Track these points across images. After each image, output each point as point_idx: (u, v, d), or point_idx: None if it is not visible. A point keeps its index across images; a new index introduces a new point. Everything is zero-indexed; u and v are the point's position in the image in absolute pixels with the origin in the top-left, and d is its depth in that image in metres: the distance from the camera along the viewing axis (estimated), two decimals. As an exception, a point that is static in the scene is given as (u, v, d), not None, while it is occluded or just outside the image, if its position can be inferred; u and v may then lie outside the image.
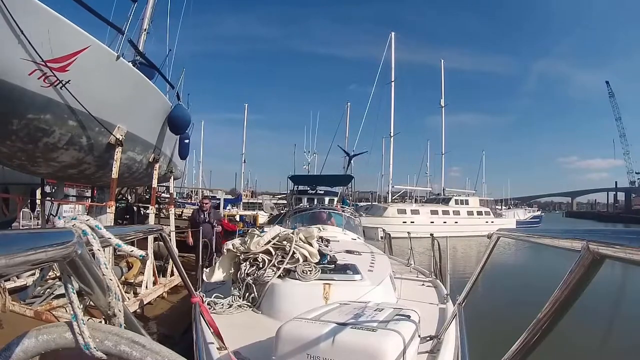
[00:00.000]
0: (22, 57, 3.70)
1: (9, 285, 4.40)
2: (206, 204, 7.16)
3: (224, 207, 15.68)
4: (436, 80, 35.49)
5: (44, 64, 3.83)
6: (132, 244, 0.96)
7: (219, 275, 3.03)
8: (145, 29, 8.41)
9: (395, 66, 30.78)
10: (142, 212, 9.75)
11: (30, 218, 8.89)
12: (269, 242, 2.91)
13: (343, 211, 6.45)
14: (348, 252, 3.54)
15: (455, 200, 29.14)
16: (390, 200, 29.67)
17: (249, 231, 3.19)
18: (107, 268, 0.74)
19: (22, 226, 8.09)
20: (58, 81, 4.08)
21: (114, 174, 5.16)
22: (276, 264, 2.74)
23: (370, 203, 29.73)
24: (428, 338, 1.95)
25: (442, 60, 35.76)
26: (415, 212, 25.35)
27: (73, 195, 11.21)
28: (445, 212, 26.58)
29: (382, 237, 6.27)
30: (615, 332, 6.02)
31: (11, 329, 3.41)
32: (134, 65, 5.89)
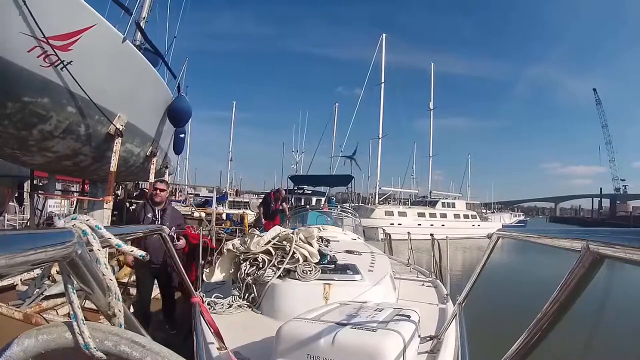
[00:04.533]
0: (22, 30, 3.28)
1: (-4, 285, 4.19)
2: (161, 191, 3.72)
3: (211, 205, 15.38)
4: (425, 83, 35.89)
5: (45, 40, 3.42)
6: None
7: (218, 275, 3.02)
8: (144, 17, 8.06)
9: (385, 68, 30.85)
10: (130, 209, 9.58)
11: (16, 212, 8.46)
12: (269, 242, 2.91)
13: (329, 209, 6.47)
14: (348, 252, 3.54)
15: (442, 203, 29.41)
16: (377, 202, 29.69)
17: (249, 231, 3.19)
18: (107, 268, 0.74)
19: (8, 220, 7.85)
20: (59, 61, 3.68)
21: (113, 166, 4.79)
22: (276, 264, 2.74)
23: (357, 204, 29.86)
24: (428, 338, 1.94)
25: (432, 64, 36.34)
26: (402, 214, 25.48)
27: (59, 190, 11.00)
28: (432, 215, 26.81)
29: (382, 238, 6.28)
30: (615, 332, 6.03)
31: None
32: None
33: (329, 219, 5.69)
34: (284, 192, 8.16)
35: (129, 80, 4.92)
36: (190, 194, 27.78)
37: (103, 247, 0.75)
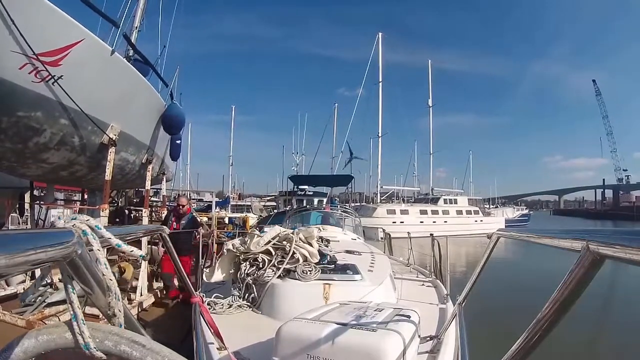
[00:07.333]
0: (13, 49, 3.43)
1: (-1, 294, 4.24)
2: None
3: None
4: (426, 80, 35.86)
5: (35, 57, 3.57)
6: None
7: (219, 275, 3.02)
8: (136, 27, 8.12)
9: (384, 67, 30.92)
10: (131, 215, 9.60)
11: (19, 223, 8.58)
12: (269, 242, 2.91)
13: (331, 209, 6.48)
14: (348, 252, 3.54)
15: (444, 199, 29.48)
16: (379, 201, 29.73)
17: (249, 231, 3.20)
18: (107, 268, 0.74)
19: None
20: (50, 76, 3.83)
21: (107, 175, 4.91)
22: (276, 264, 2.74)
23: (359, 204, 29.83)
24: (428, 338, 1.95)
25: (430, 61, 36.48)
26: (404, 212, 25.57)
27: (61, 199, 11.01)
28: (435, 212, 26.85)
29: (382, 238, 6.27)
30: (615, 332, 6.03)
31: (2, 340, 3.29)
32: (128, 62, 5.66)
33: (329, 219, 5.69)
34: (184, 200, 5.71)
35: (119, 90, 5.03)
36: (193, 199, 27.69)
37: (103, 247, 0.75)
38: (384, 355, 1.40)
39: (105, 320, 0.79)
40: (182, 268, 1.91)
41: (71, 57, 3.91)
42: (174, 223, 5.11)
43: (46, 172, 5.05)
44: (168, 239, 1.67)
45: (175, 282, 5.06)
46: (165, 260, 5.10)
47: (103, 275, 0.73)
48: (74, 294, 0.70)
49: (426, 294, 3.26)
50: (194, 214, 5.76)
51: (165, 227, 1.72)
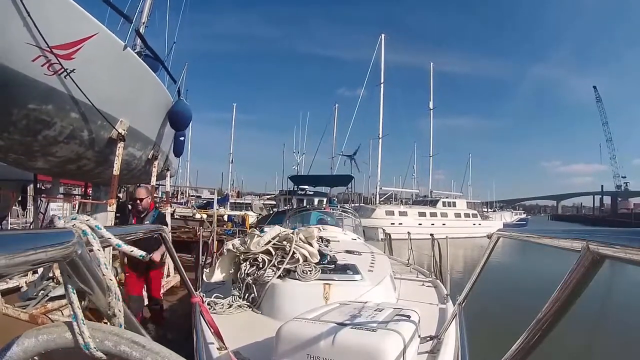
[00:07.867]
0: (27, 41, 3.41)
1: (1, 286, 4.25)
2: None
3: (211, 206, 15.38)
4: (427, 83, 36.00)
5: (49, 50, 3.55)
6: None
7: (218, 275, 3.02)
8: (143, 23, 8.15)
9: (385, 68, 31.07)
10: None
11: (17, 216, 8.51)
12: (269, 242, 2.90)
13: (332, 210, 6.48)
14: (348, 252, 3.54)
15: (443, 202, 29.59)
16: (377, 202, 29.80)
17: (249, 231, 3.19)
18: (107, 268, 0.74)
19: (11, 224, 7.90)
20: (63, 69, 3.81)
21: (116, 170, 4.90)
22: (276, 264, 2.74)
23: (358, 204, 29.94)
24: (428, 338, 1.95)
25: (432, 64, 36.74)
26: (403, 213, 25.61)
27: (61, 193, 11.01)
28: (433, 214, 26.96)
29: (382, 239, 6.28)
30: (615, 332, 6.03)
31: (6, 333, 3.30)
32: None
33: (329, 219, 5.69)
34: (143, 191, 4.25)
35: (130, 86, 5.05)
36: (192, 195, 27.88)
37: (103, 247, 0.75)
38: (384, 355, 1.40)
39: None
40: (182, 267, 1.87)
41: (84, 50, 3.90)
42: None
43: (53, 165, 5.02)
44: (168, 239, 1.66)
45: (145, 301, 4.31)
46: (130, 277, 4.04)
47: (103, 275, 0.73)
48: (73, 294, 0.70)
49: (426, 294, 3.26)
50: (172, 210, 5.40)
51: (165, 227, 1.71)
